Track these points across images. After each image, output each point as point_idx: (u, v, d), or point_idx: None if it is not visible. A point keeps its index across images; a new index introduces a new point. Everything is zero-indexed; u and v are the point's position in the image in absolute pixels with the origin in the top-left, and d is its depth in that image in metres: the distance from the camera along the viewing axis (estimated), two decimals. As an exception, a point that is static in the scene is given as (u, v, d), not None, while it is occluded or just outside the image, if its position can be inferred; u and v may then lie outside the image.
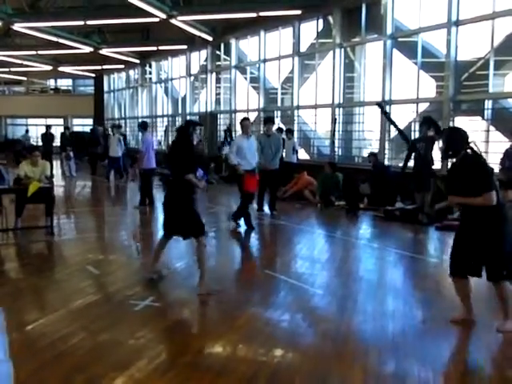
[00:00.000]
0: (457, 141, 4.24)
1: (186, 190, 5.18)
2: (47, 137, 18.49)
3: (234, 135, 17.76)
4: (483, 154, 4.39)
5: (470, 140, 4.23)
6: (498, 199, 4.09)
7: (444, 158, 4.54)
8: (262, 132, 10.42)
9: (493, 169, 4.43)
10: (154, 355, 3.68)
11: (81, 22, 15.70)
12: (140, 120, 18.22)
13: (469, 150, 4.18)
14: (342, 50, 13.77)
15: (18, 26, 16.61)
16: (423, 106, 12.28)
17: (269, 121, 10.25)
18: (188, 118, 21.12)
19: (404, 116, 12.50)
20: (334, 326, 4.36)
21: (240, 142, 8.85)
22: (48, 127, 19.16)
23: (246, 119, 9.28)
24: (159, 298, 5.00)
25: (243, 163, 8.64)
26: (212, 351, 3.90)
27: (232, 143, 9.20)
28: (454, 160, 4.32)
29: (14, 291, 5.24)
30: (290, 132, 14.01)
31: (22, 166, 8.08)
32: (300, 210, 11.27)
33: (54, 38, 18.01)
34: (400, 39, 12.53)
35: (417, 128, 12.24)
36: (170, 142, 6.42)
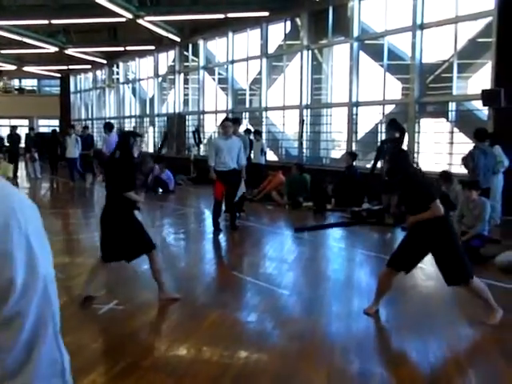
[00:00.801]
0: (401, 161, 4.50)
1: (125, 206, 4.70)
2: (13, 137, 18.10)
3: (202, 136, 17.70)
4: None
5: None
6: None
7: (390, 177, 4.66)
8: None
9: (431, 182, 4.63)
10: (117, 359, 3.62)
11: (45, 21, 15.42)
12: (106, 121, 18.00)
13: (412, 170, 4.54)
14: (310, 51, 13.86)
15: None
16: (389, 108, 12.45)
17: (235, 122, 10.18)
18: (156, 119, 21.00)
19: (370, 118, 12.67)
20: (300, 326, 4.36)
21: (218, 142, 8.74)
22: (14, 128, 18.76)
23: (225, 120, 9.13)
24: (124, 301, 4.91)
25: (220, 166, 8.56)
26: (176, 354, 3.86)
27: (210, 145, 8.99)
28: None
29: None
30: (258, 133, 13.99)
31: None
32: (268, 211, 11.28)
33: (18, 37, 17.64)
34: (366, 42, 12.69)
35: (383, 129, 12.42)
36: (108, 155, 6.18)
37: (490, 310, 4.37)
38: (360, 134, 12.98)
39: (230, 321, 4.49)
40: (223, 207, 9.43)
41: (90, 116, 26.55)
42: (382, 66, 12.20)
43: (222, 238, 8.41)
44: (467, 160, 8.30)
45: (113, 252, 4.70)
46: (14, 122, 27.71)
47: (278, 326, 4.38)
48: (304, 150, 14.10)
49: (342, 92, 13.19)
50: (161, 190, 13.80)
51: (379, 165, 9.72)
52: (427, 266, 5.49)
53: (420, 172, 4.53)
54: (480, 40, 10.54)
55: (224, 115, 16.89)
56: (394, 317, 4.65)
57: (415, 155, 11.38)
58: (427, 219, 4.26)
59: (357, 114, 12.73)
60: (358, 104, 12.64)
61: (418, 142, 11.34)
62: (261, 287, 5.47)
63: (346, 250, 7.65)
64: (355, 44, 12.50)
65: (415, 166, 4.53)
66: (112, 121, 24.05)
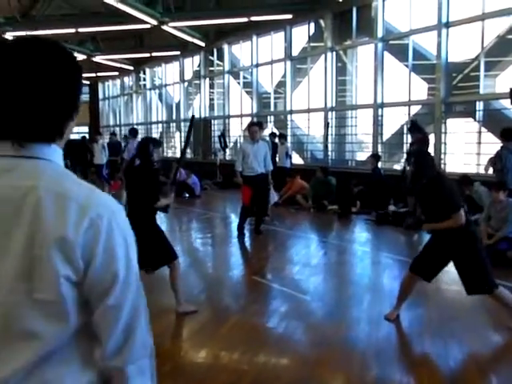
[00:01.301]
0: (426, 165, 4.29)
1: (148, 215, 4.60)
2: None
3: (227, 140, 17.74)
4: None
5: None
6: (466, 218, 4.14)
7: (414, 181, 4.50)
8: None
9: (456, 188, 4.44)
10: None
11: (72, 30, 15.67)
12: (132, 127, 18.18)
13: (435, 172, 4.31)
14: (334, 53, 13.76)
15: (9, 35, 16.59)
16: (415, 109, 12.27)
17: (257, 126, 10.16)
18: (182, 124, 21.13)
19: (396, 119, 12.51)
20: (320, 332, 4.31)
21: (245, 147, 8.74)
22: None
23: (252, 124, 9.10)
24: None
25: (247, 170, 8.56)
26: (195, 359, 3.85)
27: (238, 149, 8.97)
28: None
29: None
30: (282, 137, 13.97)
31: None
32: (293, 214, 11.22)
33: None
34: (391, 42, 12.53)
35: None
36: (126, 163, 6.03)
37: None
38: (386, 136, 12.82)
39: (249, 325, 4.47)
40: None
41: (118, 122, 26.88)
42: (407, 66, 12.03)
43: (246, 242, 8.40)
44: (495, 160, 8.11)
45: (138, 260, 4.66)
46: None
47: (297, 332, 4.34)
48: (329, 153, 13.99)
49: (367, 93, 13.06)
50: (187, 195, 13.87)
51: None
52: (451, 269, 5.36)
53: (445, 177, 4.34)
54: (508, 37, 10.30)
55: (249, 119, 17.00)
56: (415, 322, 4.55)
57: (442, 156, 11.19)
58: (450, 227, 4.13)
59: (382, 116, 12.58)
60: (383, 105, 12.49)
61: (445, 143, 11.14)
62: (282, 292, 5.43)
63: (370, 253, 7.55)
64: (379, 44, 12.36)
65: (440, 169, 4.30)
66: (139, 127, 24.47)
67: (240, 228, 8.65)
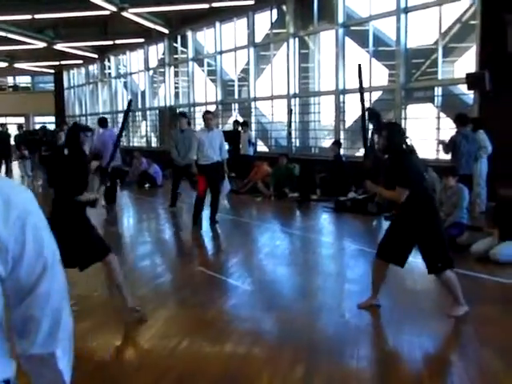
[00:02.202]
0: (397, 137, 4.21)
1: (75, 209, 4.21)
2: (1, 135, 17.95)
3: (193, 129, 17.49)
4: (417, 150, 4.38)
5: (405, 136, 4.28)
6: (427, 194, 4.19)
7: (385, 153, 4.39)
8: (177, 128, 10.23)
9: (419, 170, 4.34)
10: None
11: (28, 16, 15.22)
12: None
13: (404, 146, 4.21)
14: (297, 39, 13.60)
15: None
16: (376, 95, 12.21)
17: (181, 115, 10.24)
18: (148, 113, 20.80)
19: (357, 105, 12.41)
20: (257, 325, 4.19)
21: (200, 135, 8.53)
22: (2, 125, 18.61)
23: (207, 112, 8.95)
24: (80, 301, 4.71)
25: (203, 159, 8.39)
26: (119, 356, 3.71)
27: (193, 137, 8.79)
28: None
29: None
30: (245, 124, 13.82)
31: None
32: (252, 203, 11.11)
33: (3, 33, 17.44)
34: (352, 28, 12.43)
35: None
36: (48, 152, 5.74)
37: (457, 303, 4.20)
38: (348, 123, 12.75)
39: (184, 317, 4.35)
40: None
41: (83, 112, 26.36)
42: (368, 52, 11.95)
43: (201, 232, 8.24)
44: (448, 145, 8.09)
45: (62, 258, 4.22)
46: (10, 119, 27.73)
47: (232, 324, 4.21)
48: (293, 140, 13.87)
49: (329, 80, 12.95)
50: (148, 185, 13.65)
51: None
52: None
53: (412, 156, 4.26)
54: (465, 22, 10.28)
55: (214, 107, 16.79)
56: (365, 312, 4.47)
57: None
58: (409, 203, 4.08)
59: (344, 102, 12.49)
60: (344, 91, 12.39)
61: (405, 129, 11.07)
62: (225, 282, 5.32)
63: (320, 240, 7.46)
64: (340, 30, 12.23)
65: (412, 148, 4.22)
66: (105, 116, 24.02)
67: (195, 219, 8.47)
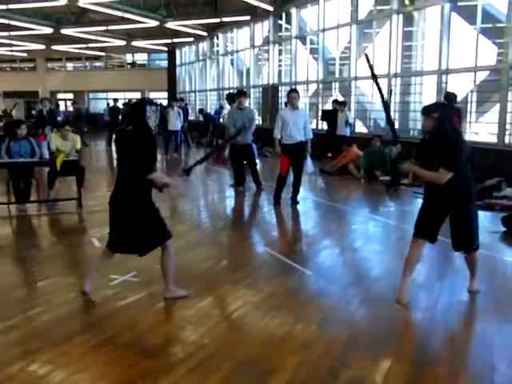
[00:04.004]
0: (449, 120, 4.08)
1: (142, 191, 4.05)
2: (114, 110, 19.09)
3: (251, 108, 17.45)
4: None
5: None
6: (467, 176, 4.10)
7: (432, 135, 4.14)
8: (235, 106, 10.05)
9: (466, 153, 4.07)
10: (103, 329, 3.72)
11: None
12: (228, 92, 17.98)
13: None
14: (400, 16, 13.01)
15: (83, 3, 17.12)
16: (482, 75, 11.40)
17: (241, 94, 9.96)
18: (252, 90, 21.01)
19: (461, 86, 11.70)
20: (306, 311, 4.16)
21: (284, 114, 8.51)
22: (115, 100, 19.77)
23: (292, 91, 8.87)
24: (141, 273, 4.92)
25: (286, 138, 8.40)
26: (151, 331, 3.86)
27: (277, 116, 8.81)
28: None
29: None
30: (342, 104, 13.55)
31: (53, 139, 8.36)
32: (339, 184, 10.95)
33: (120, 13, 18.39)
34: (460, 3, 11.64)
35: (474, 99, 11.50)
36: (117, 130, 5.42)
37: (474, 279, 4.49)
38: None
39: (232, 298, 4.41)
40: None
41: (193, 88, 27.22)
42: (475, 29, 11.15)
43: (281, 211, 8.26)
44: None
45: (122, 243, 4.15)
46: (128, 95, 29.35)
47: (282, 310, 4.20)
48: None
49: (433, 59, 12.29)
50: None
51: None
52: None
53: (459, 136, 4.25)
54: None
55: (315, 86, 16.63)
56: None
57: (508, 127, 10.37)
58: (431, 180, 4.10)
59: (446, 83, 11.80)
60: (448, 71, 11.70)
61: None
62: (285, 265, 5.31)
63: (395, 227, 7.18)
64: (447, 5, 11.51)
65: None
66: (212, 93, 24.67)
67: (276, 197, 8.53)
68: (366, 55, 5.22)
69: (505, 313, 4.15)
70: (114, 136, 6.33)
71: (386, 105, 4.87)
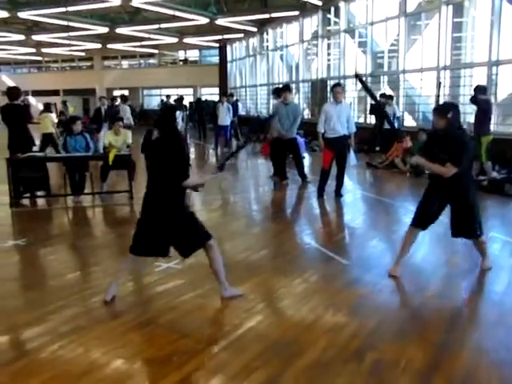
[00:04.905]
0: (459, 119, 4.48)
1: (177, 198, 4.01)
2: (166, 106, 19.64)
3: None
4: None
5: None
6: (469, 171, 4.63)
7: (445, 133, 4.46)
8: (280, 100, 10.10)
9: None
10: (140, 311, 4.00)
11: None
12: (275, 86, 18.09)
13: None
14: (450, 7, 12.82)
15: (137, 2, 17.67)
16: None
17: (286, 89, 10.02)
18: (301, 85, 21.09)
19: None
20: (326, 296, 4.33)
21: (328, 108, 8.63)
22: (167, 97, 20.39)
23: (336, 85, 8.97)
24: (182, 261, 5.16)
25: (330, 132, 8.53)
26: (189, 309, 4.10)
27: (321, 110, 8.94)
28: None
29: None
30: (389, 98, 13.47)
31: (106, 135, 8.80)
32: (384, 178, 10.97)
33: (171, 12, 18.86)
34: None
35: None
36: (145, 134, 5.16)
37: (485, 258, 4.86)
38: (502, 96, 11.81)
39: (266, 286, 4.62)
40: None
41: (243, 84, 27.53)
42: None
43: (324, 204, 8.40)
44: None
45: (150, 246, 4.08)
46: (181, 91, 29.97)
47: (313, 295, 4.37)
48: (440, 115, 13.21)
49: (483, 51, 12.06)
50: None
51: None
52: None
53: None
54: None
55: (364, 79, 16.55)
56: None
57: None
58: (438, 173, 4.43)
59: (497, 74, 11.57)
60: (498, 63, 11.47)
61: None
62: (323, 254, 5.48)
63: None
64: (498, -5, 11.28)
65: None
66: (262, 88, 24.87)
67: (320, 191, 8.67)
68: (358, 75, 5.96)
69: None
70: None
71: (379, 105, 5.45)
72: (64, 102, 22.80)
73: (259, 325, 3.78)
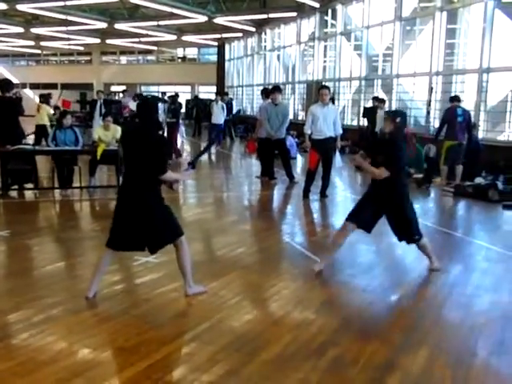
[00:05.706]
0: (404, 126, 4.83)
1: (153, 190, 4.01)
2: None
3: (337, 104, 17.56)
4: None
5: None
6: (403, 178, 4.83)
7: (391, 137, 4.76)
8: (269, 101, 10.23)
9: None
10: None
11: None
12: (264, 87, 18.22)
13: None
14: (444, 14, 12.93)
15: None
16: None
17: (276, 90, 10.12)
18: (297, 86, 21.20)
19: (503, 85, 11.57)
20: (310, 295, 4.43)
21: (314, 110, 8.73)
22: (163, 94, 20.40)
23: (323, 87, 9.08)
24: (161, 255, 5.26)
25: (316, 134, 8.62)
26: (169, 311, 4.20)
27: (308, 112, 9.03)
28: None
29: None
30: (381, 101, 13.59)
31: (96, 130, 8.89)
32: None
33: (169, 9, 18.94)
34: (504, 0, 11.49)
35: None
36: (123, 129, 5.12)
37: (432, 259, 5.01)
38: (491, 103, 11.93)
39: (243, 280, 4.72)
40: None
41: (240, 83, 27.62)
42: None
43: (309, 205, 8.50)
44: None
45: (127, 240, 4.08)
46: (178, 88, 30.03)
47: (283, 293, 4.47)
48: (431, 120, 13.34)
49: (475, 58, 12.17)
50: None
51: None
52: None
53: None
54: None
55: (357, 82, 16.70)
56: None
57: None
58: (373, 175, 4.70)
59: (487, 81, 11.68)
60: (489, 70, 11.58)
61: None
62: (301, 254, 5.57)
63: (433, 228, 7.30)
64: (490, 3, 11.39)
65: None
66: (259, 87, 24.91)
67: (305, 191, 8.76)
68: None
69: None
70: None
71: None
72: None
73: (228, 319, 3.88)
